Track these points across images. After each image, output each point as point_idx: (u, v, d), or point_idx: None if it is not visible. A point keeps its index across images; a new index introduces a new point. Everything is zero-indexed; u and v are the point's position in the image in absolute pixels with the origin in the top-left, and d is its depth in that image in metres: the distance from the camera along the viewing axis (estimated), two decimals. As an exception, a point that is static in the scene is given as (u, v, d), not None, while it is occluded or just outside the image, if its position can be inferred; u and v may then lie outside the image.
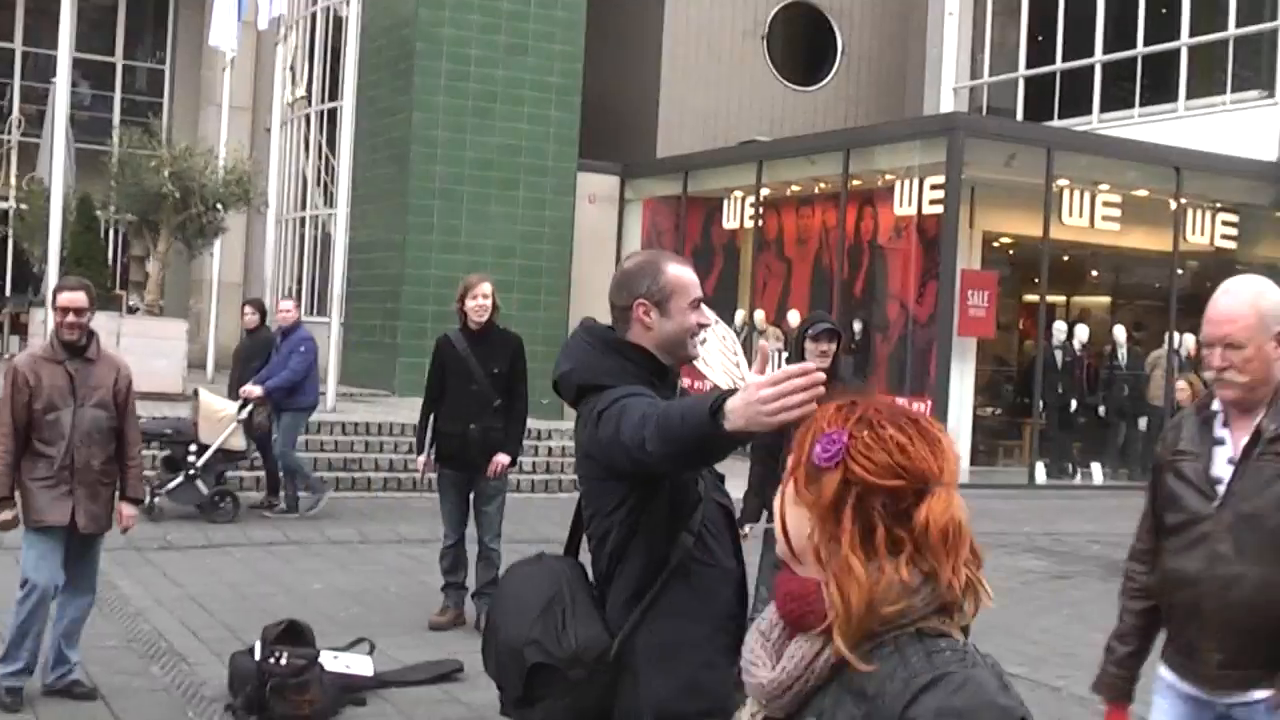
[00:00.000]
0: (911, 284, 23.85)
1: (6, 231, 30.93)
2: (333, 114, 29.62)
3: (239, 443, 15.65)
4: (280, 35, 27.72)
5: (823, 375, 3.17)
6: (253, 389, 15.66)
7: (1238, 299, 4.63)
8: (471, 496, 11.01)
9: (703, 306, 4.37)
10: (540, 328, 25.00)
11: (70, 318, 8.17)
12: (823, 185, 26.00)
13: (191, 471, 15.29)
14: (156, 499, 15.04)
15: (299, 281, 32.02)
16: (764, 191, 27.06)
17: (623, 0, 31.37)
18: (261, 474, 16.99)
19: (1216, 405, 4.78)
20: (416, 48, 27.04)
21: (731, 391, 3.37)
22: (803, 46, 32.77)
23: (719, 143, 29.56)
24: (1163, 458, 4.97)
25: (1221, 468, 4.71)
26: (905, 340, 23.92)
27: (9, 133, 35.77)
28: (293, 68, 31.15)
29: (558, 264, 27.70)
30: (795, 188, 26.95)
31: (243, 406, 15.61)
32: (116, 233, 29.28)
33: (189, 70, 36.45)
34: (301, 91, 31.70)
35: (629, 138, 31.24)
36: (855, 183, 24.84)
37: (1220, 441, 4.74)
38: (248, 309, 17.45)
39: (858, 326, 24.22)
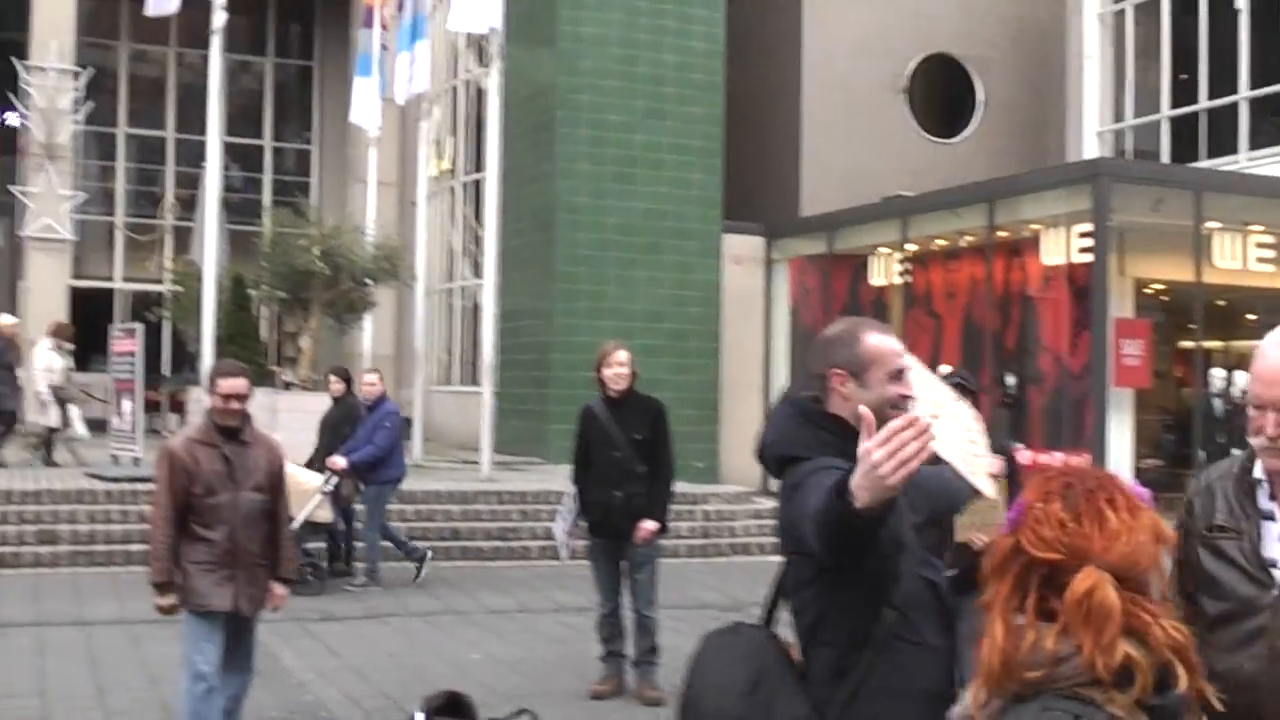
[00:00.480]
0: (1064, 335, 23.46)
1: (162, 314, 31.51)
2: (477, 185, 29.94)
3: (325, 515, 15.62)
4: (424, 110, 28.04)
5: (928, 420, 3.18)
6: (338, 461, 15.66)
7: None
8: (623, 564, 10.94)
9: (909, 377, 4.26)
10: (690, 391, 25.00)
11: (232, 404, 8.17)
12: (969, 238, 25.72)
13: None
14: None
15: (449, 352, 32.31)
16: (910, 246, 26.84)
17: (761, 60, 31.42)
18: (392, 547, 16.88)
19: (1259, 472, 4.12)
20: (557, 115, 27.24)
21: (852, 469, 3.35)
22: (942, 98, 32.58)
23: (862, 199, 29.39)
24: (1194, 531, 4.26)
25: (1275, 548, 4.06)
26: (1060, 393, 23.50)
27: (163, 217, 36.56)
28: (437, 141, 31.54)
29: (706, 326, 27.66)
30: (941, 241, 26.69)
31: (328, 479, 15.60)
32: (269, 311, 29.70)
33: (335, 149, 37.08)
34: (446, 164, 32.09)
35: (772, 198, 31.19)
36: (1001, 234, 24.55)
37: (1270, 516, 4.10)
38: (333, 377, 17.50)
39: (1011, 380, 23.87)
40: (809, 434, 4.18)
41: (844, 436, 4.04)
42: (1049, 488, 2.51)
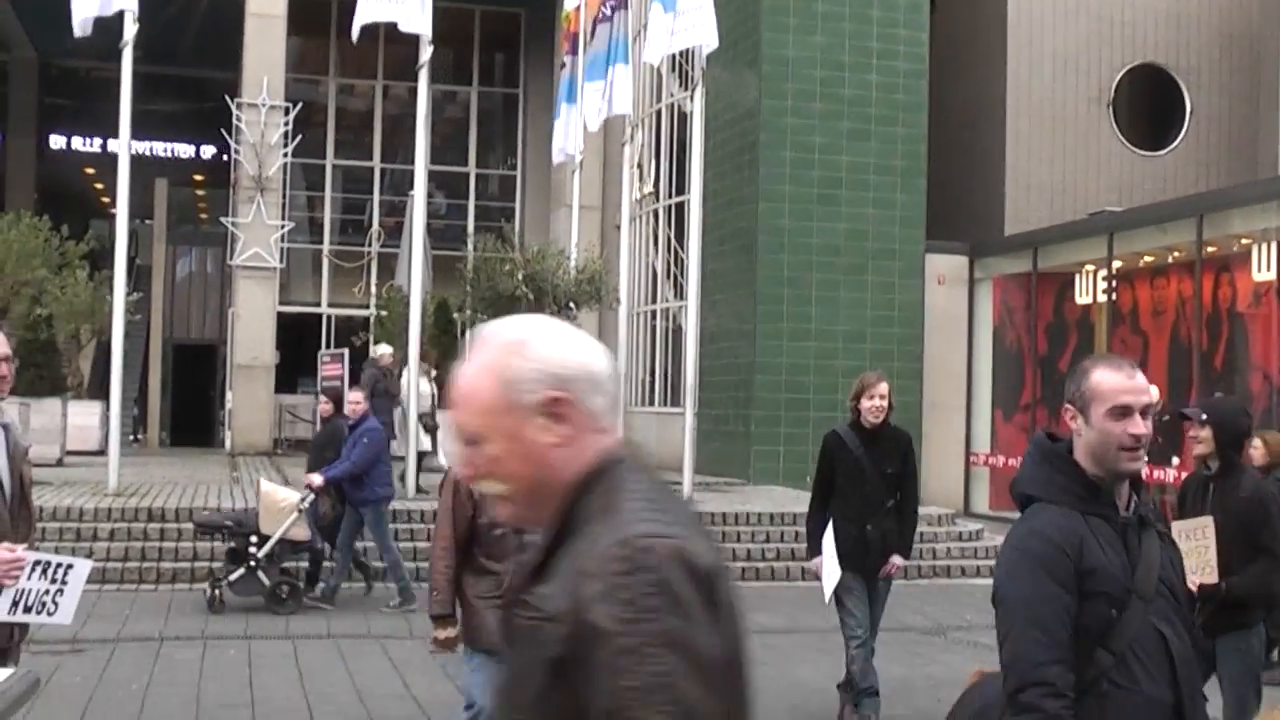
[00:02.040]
0: (1275, 353, 22.83)
1: (368, 337, 32.10)
2: (680, 208, 30.02)
3: (302, 533, 15.41)
4: (626, 135, 28.20)
5: None
6: (314, 478, 15.54)
7: None
8: None
9: (1137, 418, 4.12)
10: (894, 413, 24.78)
11: None
12: (1176, 254, 25.19)
13: (253, 563, 15.10)
14: (217, 591, 15.08)
15: (650, 373, 32.42)
16: (1116, 264, 26.35)
17: (965, 78, 31.10)
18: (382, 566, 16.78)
19: None
20: (760, 138, 27.26)
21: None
22: (1149, 110, 31.91)
23: (1067, 216, 28.95)
24: None
25: None
26: (1271, 414, 22.83)
27: (370, 245, 37.22)
28: (639, 165, 31.68)
29: (909, 347, 27.44)
30: (1148, 258, 26.17)
31: (304, 497, 15.43)
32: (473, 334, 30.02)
33: (539, 174, 37.44)
34: (649, 188, 32.23)
35: (975, 216, 30.83)
36: (1210, 249, 23.98)
37: None
38: (322, 399, 17.39)
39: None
40: (1044, 474, 4.18)
41: (1076, 479, 4.10)
42: None
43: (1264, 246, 22.58)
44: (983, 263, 29.77)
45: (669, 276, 31.95)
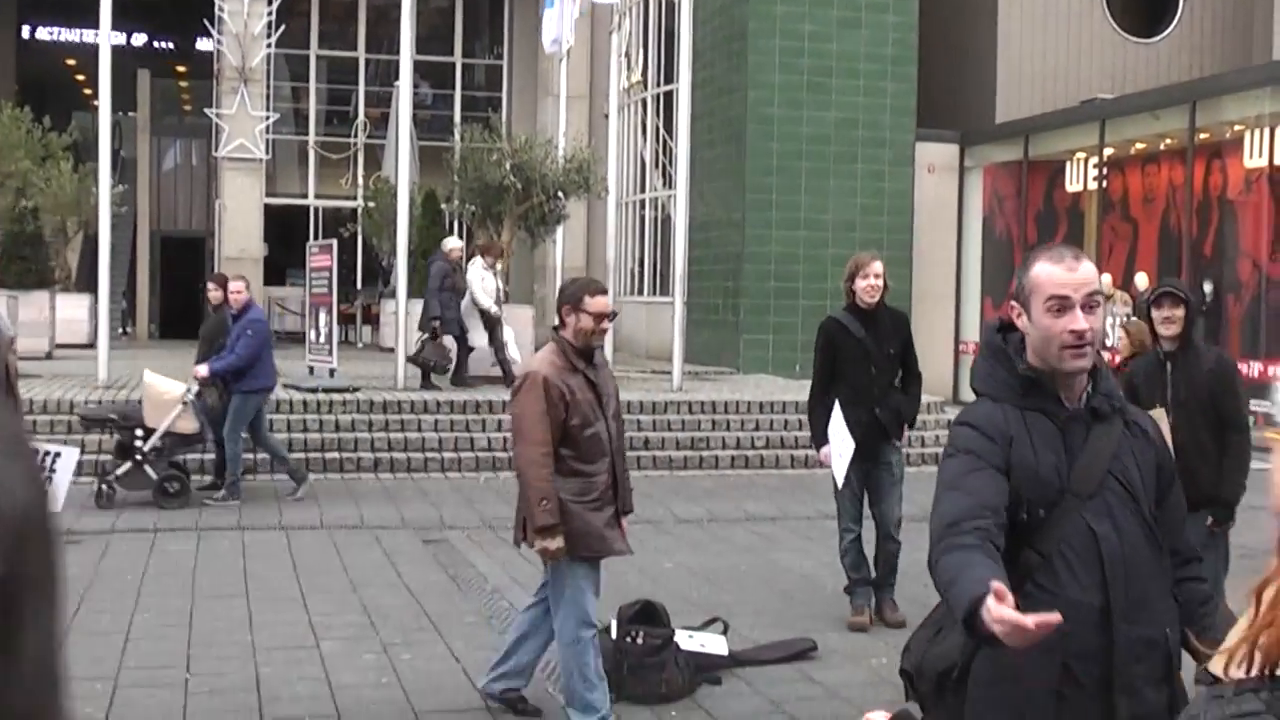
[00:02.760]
0: (1264, 240, 22.82)
1: (356, 229, 32.00)
2: (669, 97, 29.84)
3: (189, 426, 14.90)
4: (614, 23, 27.94)
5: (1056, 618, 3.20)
6: (199, 370, 15.14)
7: None
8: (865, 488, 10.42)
9: (1078, 312, 3.77)
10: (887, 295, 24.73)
11: (604, 324, 7.47)
12: (1168, 141, 25.10)
13: (139, 457, 14.66)
14: (104, 485, 14.69)
15: (640, 263, 32.35)
16: (1107, 151, 26.26)
17: (954, -35, 30.82)
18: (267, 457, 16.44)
19: None
20: (749, 27, 27.02)
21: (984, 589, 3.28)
22: (1143, -2, 31.66)
23: (1059, 104, 28.79)
24: None
25: None
26: (1259, 300, 22.87)
27: (355, 136, 36.99)
28: (627, 54, 31.43)
29: (899, 236, 27.36)
30: (1140, 145, 26.08)
31: (189, 389, 15.00)
32: (461, 225, 29.94)
33: (526, 63, 37.15)
34: (637, 77, 32.00)
35: (966, 104, 30.66)
36: (1202, 136, 23.90)
37: None
38: (211, 285, 16.58)
39: (1208, 288, 23.29)
40: (987, 369, 4.01)
41: (1012, 374, 3.91)
42: None
43: (1256, 133, 22.50)
44: (973, 151, 29.66)
45: (657, 166, 31.80)
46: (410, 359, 20.75)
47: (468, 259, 22.15)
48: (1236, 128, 23.20)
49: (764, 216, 26.70)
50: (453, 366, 21.05)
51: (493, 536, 13.48)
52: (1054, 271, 3.82)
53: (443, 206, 27.99)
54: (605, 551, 7.53)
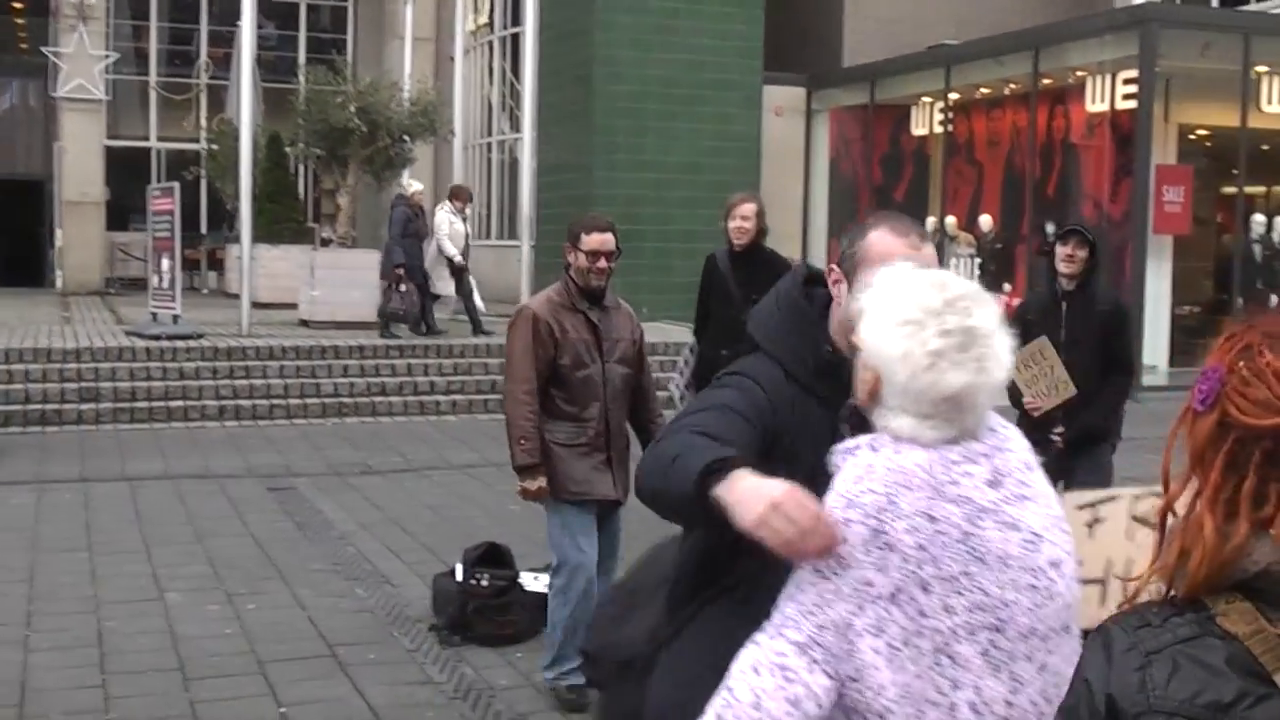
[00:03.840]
0: (1105, 182, 23.25)
1: (200, 171, 31.46)
2: (516, 39, 29.66)
3: None
4: (460, -37, 27.74)
5: (837, 540, 2.58)
6: None
7: None
8: None
9: None
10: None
11: (600, 262, 7.15)
12: (1013, 86, 25.41)
13: None
14: None
15: (488, 207, 32.19)
16: (953, 96, 26.54)
17: (801, -92, 30.88)
18: None
19: None
20: (595, -33, 26.89)
21: (742, 460, 2.73)
22: (988, -56, 31.94)
23: (906, 49, 28.97)
24: None
25: None
26: (1100, 239, 23.31)
27: (197, 76, 36.35)
28: (473, -5, 31.21)
29: (746, 178, 27.29)
30: (984, 90, 26.38)
31: None
32: (306, 168, 29.60)
33: (371, 4, 36.68)
34: (483, 19, 31.75)
35: (814, 48, 30.80)
36: (1046, 82, 24.22)
37: None
38: None
39: (1050, 228, 23.66)
40: (781, 328, 3.44)
41: (812, 351, 3.33)
42: (1248, 340, 1.94)
43: (1099, 79, 22.88)
44: (820, 94, 29.83)
45: (505, 109, 31.62)
46: (379, 314, 20.52)
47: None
48: (1079, 74, 23.54)
49: (611, 159, 26.63)
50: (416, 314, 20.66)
51: (340, 483, 13.41)
52: (894, 247, 3.21)
53: (287, 149, 27.62)
54: (588, 495, 7.22)
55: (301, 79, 27.34)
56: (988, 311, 2.68)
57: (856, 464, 2.64)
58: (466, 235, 21.19)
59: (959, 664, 2.56)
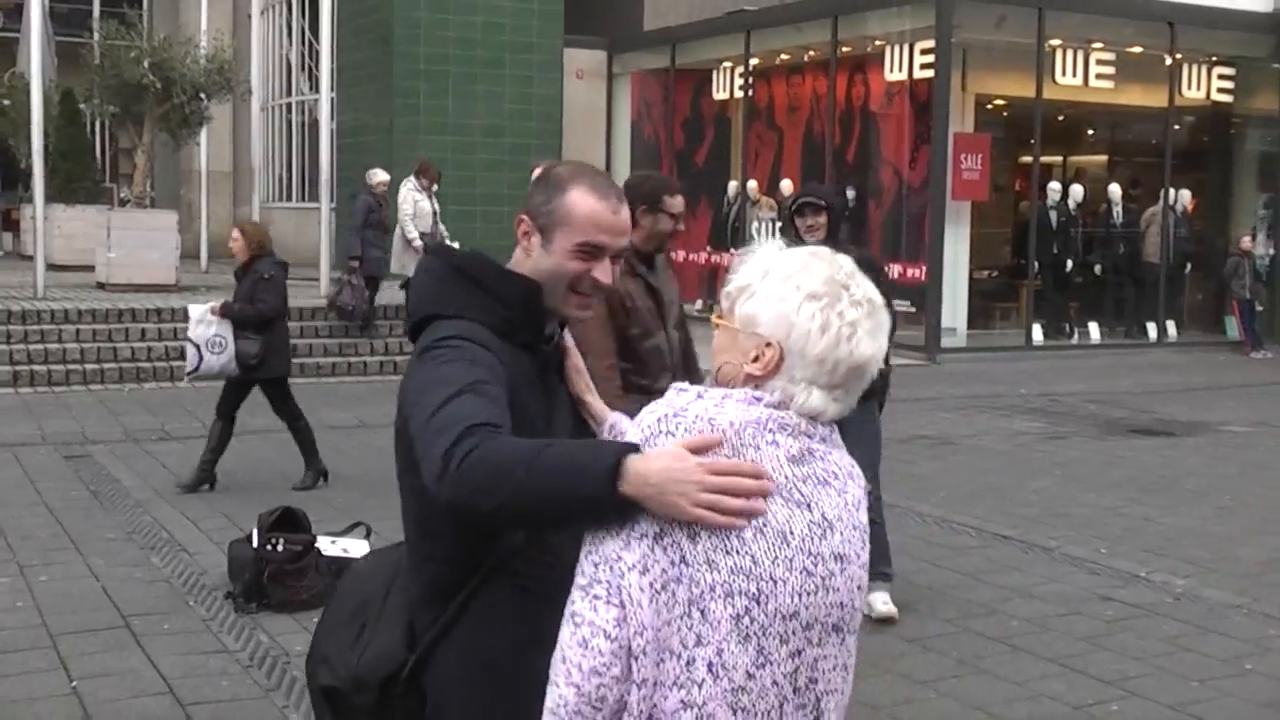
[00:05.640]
0: (904, 150, 23.73)
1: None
2: (315, -2, 29.35)
3: None
4: (257, -81, 27.31)
5: (770, 485, 2.56)
6: None
7: None
8: None
9: (608, 263, 3.16)
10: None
11: (679, 225, 6.66)
12: (812, 53, 25.75)
13: None
14: None
15: (289, 169, 31.86)
16: (753, 61, 26.80)
17: None
18: None
19: None
20: (394, -74, 26.66)
21: (631, 447, 2.58)
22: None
23: (706, 13, 29.19)
24: None
25: None
26: (900, 206, 23.82)
27: (-13, 28, 35.45)
28: (272, -48, 30.80)
29: (548, 141, 27.42)
30: (784, 57, 26.70)
31: None
32: (102, 126, 29.02)
33: (168, -41, 36.01)
34: (282, -25, 31.37)
35: (615, 11, 30.89)
36: (845, 49, 24.58)
37: None
38: None
39: (851, 194, 24.09)
40: (458, 293, 3.15)
41: (506, 303, 3.13)
42: None
43: (897, 49, 23.29)
44: (621, 58, 29.93)
45: (304, 69, 31.29)
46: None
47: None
48: (878, 43, 23.93)
49: (411, 121, 26.50)
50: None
51: (136, 449, 13.27)
52: (598, 211, 3.13)
53: (81, 105, 27.07)
54: None
55: (95, 33, 26.80)
56: (870, 284, 2.76)
57: (672, 402, 2.64)
58: (435, 214, 20.18)
59: (708, 620, 2.54)
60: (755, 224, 25.21)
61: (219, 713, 6.70)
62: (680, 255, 27.26)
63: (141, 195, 23.69)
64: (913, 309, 21.62)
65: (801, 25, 25.52)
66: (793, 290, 2.67)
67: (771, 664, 2.59)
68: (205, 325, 11.56)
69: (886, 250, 23.09)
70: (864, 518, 2.74)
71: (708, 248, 27.02)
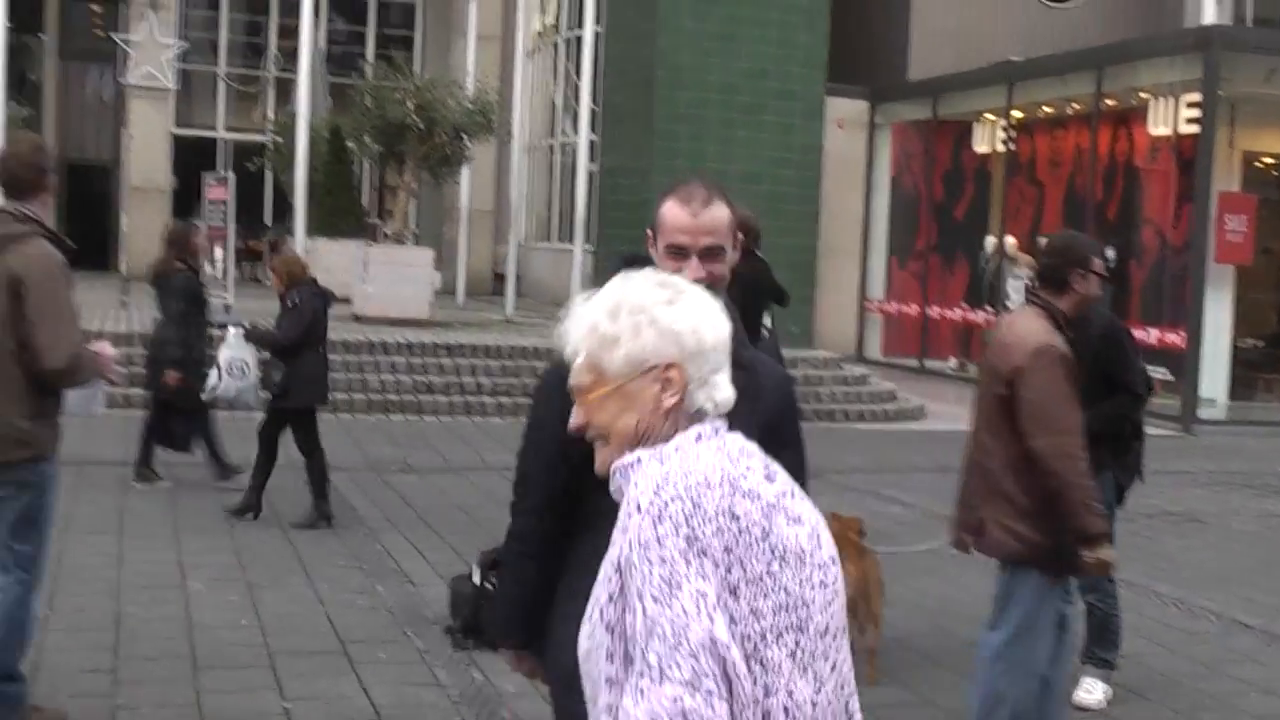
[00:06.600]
0: (1168, 208, 22.95)
1: (262, 163, 31.66)
2: (580, 41, 29.69)
3: None
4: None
5: None
6: None
7: None
8: None
9: (695, 260, 3.64)
10: (787, 254, 24.73)
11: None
12: (1075, 105, 25.19)
13: None
14: None
15: (548, 208, 32.25)
16: (1015, 113, 26.34)
17: (872, -80, 30.74)
18: None
19: None
20: (661, -28, 26.84)
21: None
22: (1058, -39, 31.68)
23: (970, 64, 28.77)
24: None
25: None
26: (1161, 267, 23.02)
27: (266, 69, 36.58)
28: (541, -4, 31.30)
29: (805, 190, 27.28)
30: (1047, 109, 26.17)
31: None
32: (370, 164, 29.72)
33: (440, 1, 36.82)
34: (550, 20, 31.83)
35: (878, 61, 30.65)
36: (1109, 102, 23.98)
37: None
38: None
39: (1111, 253, 23.37)
40: None
41: None
42: None
43: (1162, 101, 22.56)
44: (883, 108, 29.69)
45: (568, 111, 31.66)
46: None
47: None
48: (1142, 95, 23.27)
49: (671, 164, 26.51)
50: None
51: (375, 479, 13.44)
52: (678, 216, 3.70)
53: (350, 144, 27.74)
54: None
55: (367, 73, 27.48)
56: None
57: (648, 476, 2.58)
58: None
59: (769, 669, 2.51)
60: (1011, 281, 24.64)
61: (423, 745, 6.69)
62: (935, 312, 26.88)
63: (402, 231, 24.16)
64: (1170, 377, 20.81)
65: (1066, 76, 24.98)
66: (639, 312, 2.71)
67: (824, 685, 2.59)
68: (230, 348, 11.65)
69: (1147, 315, 22.31)
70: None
71: (963, 303, 26.57)
